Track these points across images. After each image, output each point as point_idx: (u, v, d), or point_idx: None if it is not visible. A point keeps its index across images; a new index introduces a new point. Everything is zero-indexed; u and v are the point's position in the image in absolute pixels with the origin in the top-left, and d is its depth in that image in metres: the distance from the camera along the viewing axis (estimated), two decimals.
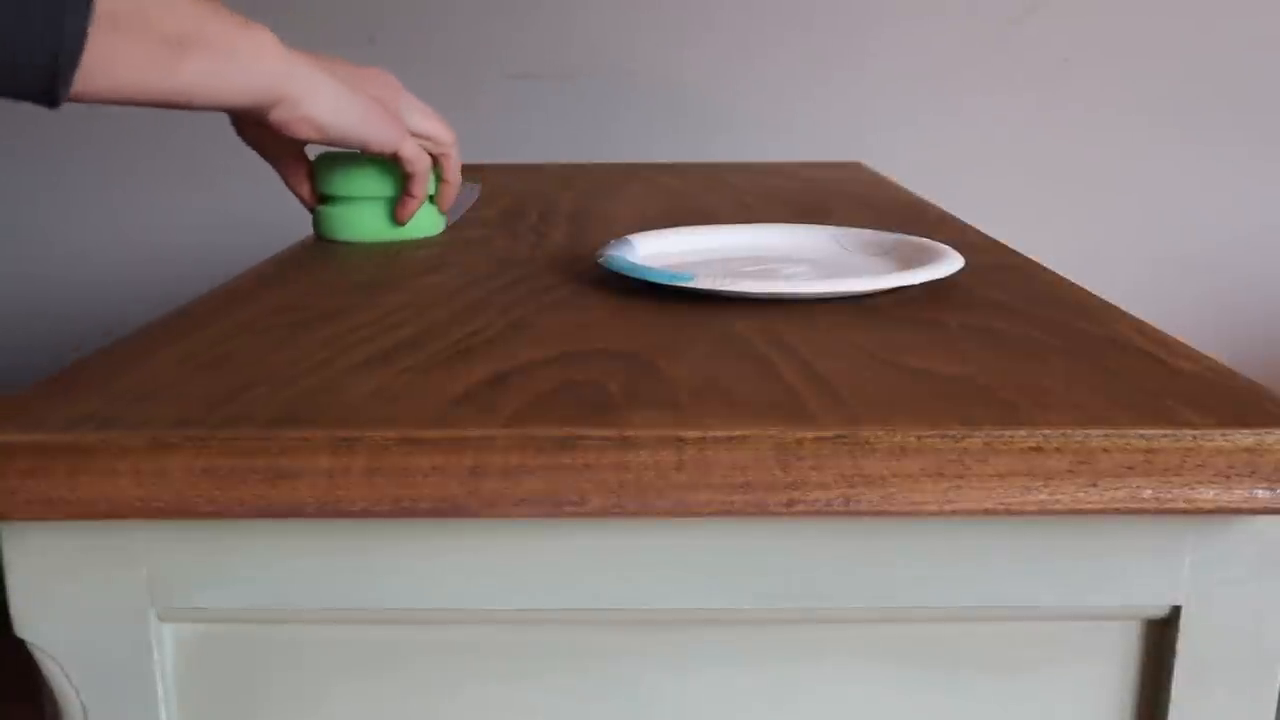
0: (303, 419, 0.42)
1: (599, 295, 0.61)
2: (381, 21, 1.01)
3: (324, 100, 0.61)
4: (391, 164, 0.74)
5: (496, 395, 0.44)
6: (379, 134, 0.67)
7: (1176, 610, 0.44)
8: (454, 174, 0.78)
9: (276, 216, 1.59)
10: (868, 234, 0.72)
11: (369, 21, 1.41)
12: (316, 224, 0.80)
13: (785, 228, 0.75)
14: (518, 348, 0.51)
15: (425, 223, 0.80)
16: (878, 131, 1.55)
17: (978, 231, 0.84)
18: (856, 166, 1.37)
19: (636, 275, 0.61)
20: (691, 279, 0.58)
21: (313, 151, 0.76)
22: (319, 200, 0.79)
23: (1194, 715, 0.45)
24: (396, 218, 0.77)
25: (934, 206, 1.01)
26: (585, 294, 0.62)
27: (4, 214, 1.60)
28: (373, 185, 0.77)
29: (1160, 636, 0.45)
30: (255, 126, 0.69)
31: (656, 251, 0.70)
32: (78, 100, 0.51)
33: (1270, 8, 1.53)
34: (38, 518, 0.40)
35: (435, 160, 0.76)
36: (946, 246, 0.66)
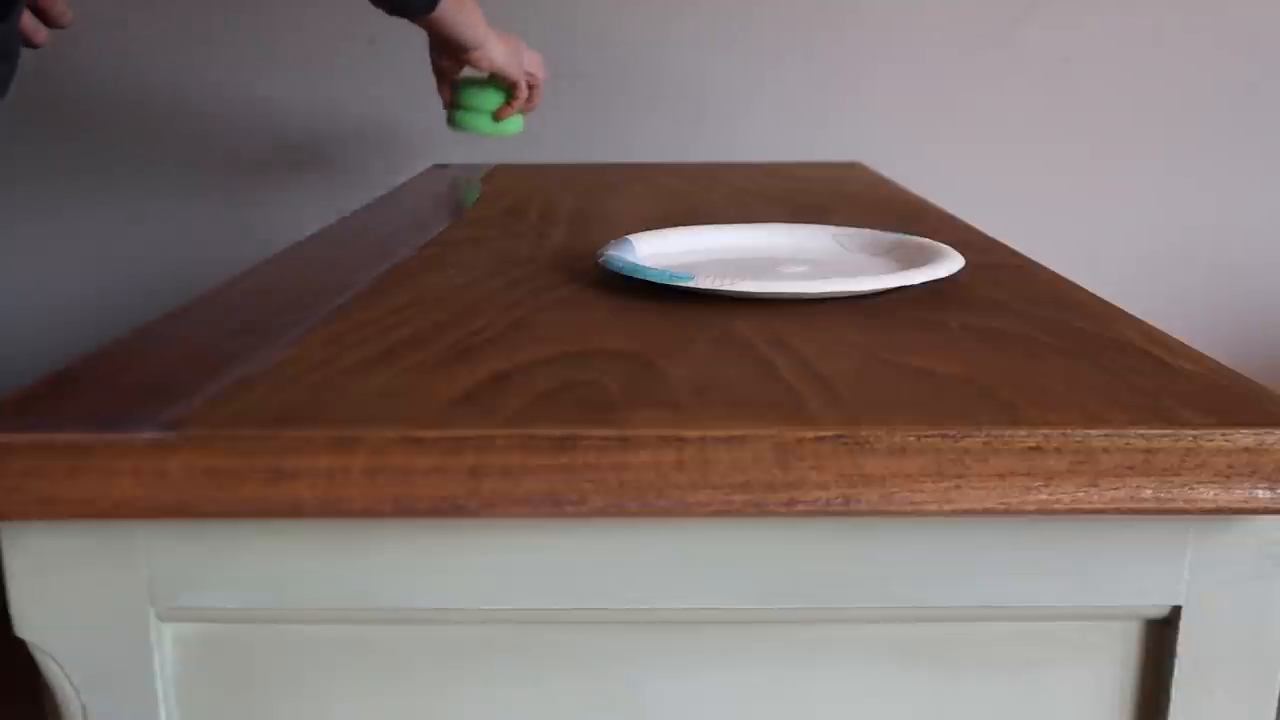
0: (303, 419, 0.42)
1: (599, 295, 0.61)
2: (381, 22, 1.02)
3: (499, 51, 1.11)
4: (503, 87, 1.18)
5: (496, 395, 0.44)
6: (513, 72, 1.14)
7: (1176, 610, 0.44)
8: (538, 96, 1.22)
9: (275, 219, 1.59)
10: (868, 234, 0.72)
11: (369, 22, 1.41)
12: (449, 119, 1.21)
13: (785, 228, 0.75)
14: (518, 348, 0.51)
15: (514, 125, 1.22)
16: (878, 131, 1.55)
17: (978, 231, 0.84)
18: (856, 166, 1.37)
19: (636, 275, 0.61)
20: (691, 279, 0.58)
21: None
22: (452, 104, 1.19)
23: (1194, 715, 0.45)
24: (498, 117, 1.19)
25: (934, 206, 1.01)
26: (585, 294, 0.62)
27: (3, 213, 1.60)
28: (488, 99, 1.18)
29: (1160, 636, 0.45)
30: (443, 57, 1.14)
31: (656, 251, 0.70)
32: (428, 14, 0.99)
33: (1270, 7, 1.53)
34: (38, 518, 0.40)
35: (530, 88, 1.20)
36: (947, 246, 0.66)
